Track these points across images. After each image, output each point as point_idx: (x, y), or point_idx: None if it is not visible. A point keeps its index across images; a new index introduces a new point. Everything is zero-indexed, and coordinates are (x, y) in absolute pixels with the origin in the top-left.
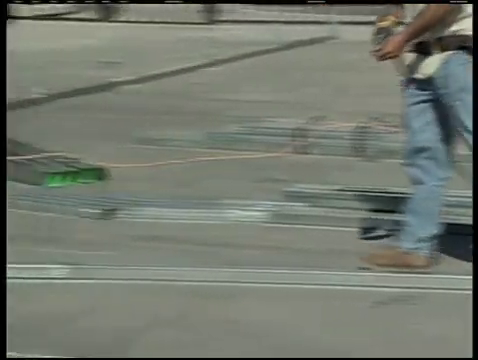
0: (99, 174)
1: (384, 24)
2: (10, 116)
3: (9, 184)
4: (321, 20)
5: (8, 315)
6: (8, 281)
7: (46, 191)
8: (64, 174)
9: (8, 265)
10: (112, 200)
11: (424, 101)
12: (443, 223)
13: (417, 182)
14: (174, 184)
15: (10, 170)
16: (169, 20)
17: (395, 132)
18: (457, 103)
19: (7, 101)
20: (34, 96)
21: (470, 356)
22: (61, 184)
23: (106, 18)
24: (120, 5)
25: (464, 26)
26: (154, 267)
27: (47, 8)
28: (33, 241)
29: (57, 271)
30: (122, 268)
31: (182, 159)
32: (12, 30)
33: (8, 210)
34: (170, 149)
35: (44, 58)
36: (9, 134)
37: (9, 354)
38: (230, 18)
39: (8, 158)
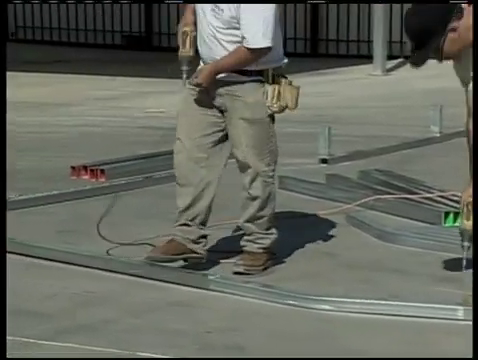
0: None
1: None
2: (408, 154)
3: (404, 222)
4: None
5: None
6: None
7: (442, 230)
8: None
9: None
10: None
11: None
12: None
13: None
14: None
15: (406, 208)
16: None
17: None
18: None
19: (406, 139)
20: (431, 135)
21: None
22: (457, 224)
23: None
24: None
25: None
26: None
27: None
28: (431, 280)
29: (460, 312)
30: None
31: None
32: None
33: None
34: None
35: (442, 97)
36: (404, 172)
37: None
38: None
39: (404, 196)
